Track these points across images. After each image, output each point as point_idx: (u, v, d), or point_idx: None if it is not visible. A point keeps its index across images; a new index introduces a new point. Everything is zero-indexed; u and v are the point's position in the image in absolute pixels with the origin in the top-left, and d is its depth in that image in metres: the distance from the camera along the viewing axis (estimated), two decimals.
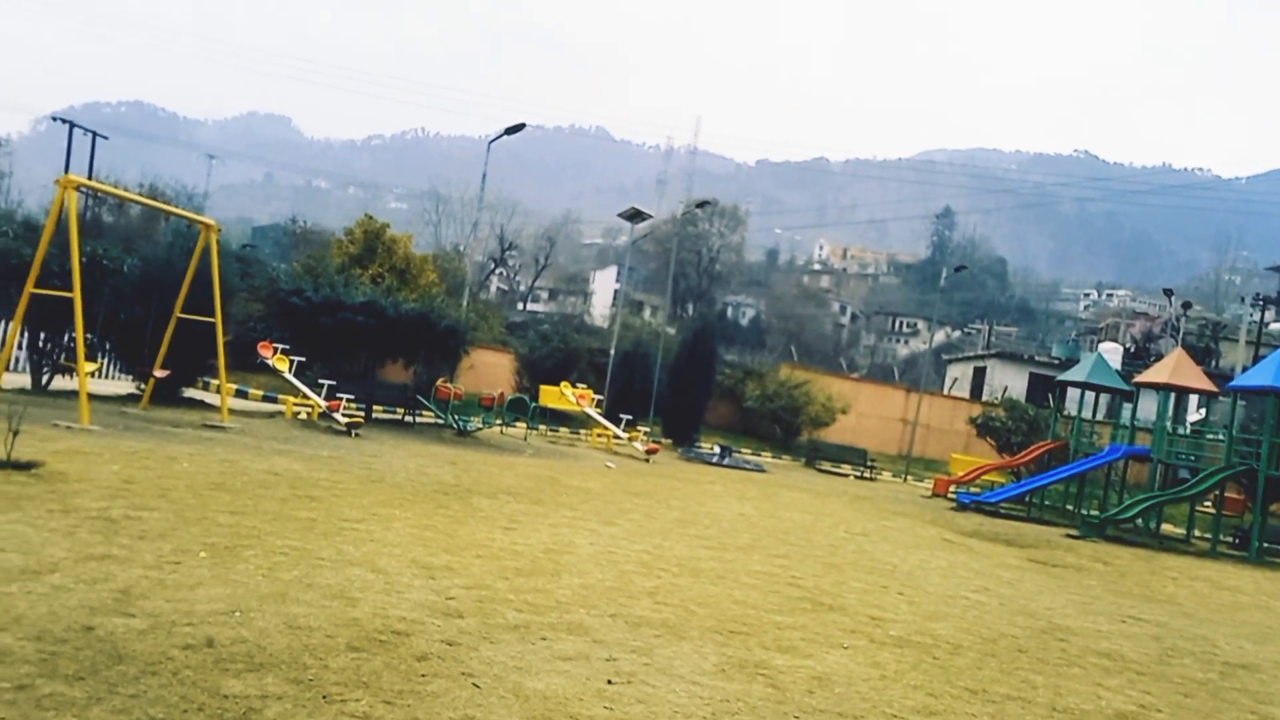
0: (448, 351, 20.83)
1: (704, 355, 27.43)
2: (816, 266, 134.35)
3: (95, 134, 50.25)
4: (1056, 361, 43.37)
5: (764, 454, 29.49)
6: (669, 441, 26.30)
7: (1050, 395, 29.54)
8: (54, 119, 54.59)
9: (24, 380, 15.79)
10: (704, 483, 17.50)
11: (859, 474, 27.38)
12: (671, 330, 35.54)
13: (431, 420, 20.36)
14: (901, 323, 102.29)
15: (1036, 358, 46.13)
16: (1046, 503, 22.57)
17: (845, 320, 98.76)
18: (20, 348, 16.17)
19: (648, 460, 20.71)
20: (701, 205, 55.92)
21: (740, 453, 26.83)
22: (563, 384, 24.17)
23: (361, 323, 18.45)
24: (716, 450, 24.44)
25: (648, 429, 24.44)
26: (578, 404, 23.53)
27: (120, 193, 17.47)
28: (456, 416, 19.47)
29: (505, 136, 27.88)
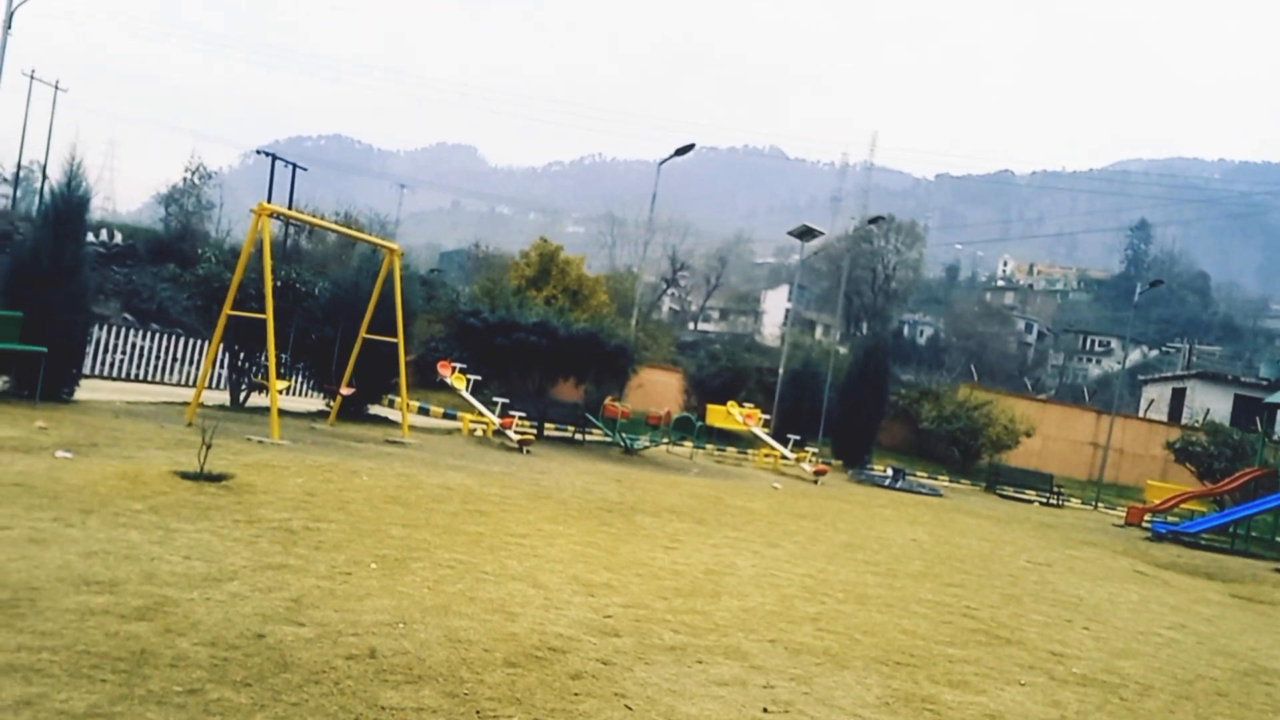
0: (616, 370, 21.07)
1: (877, 374, 26.76)
2: (1000, 283, 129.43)
3: (295, 166, 53.50)
4: (1265, 383, 40.25)
5: (940, 478, 28.48)
6: (839, 463, 25.74)
7: (1258, 418, 27.35)
8: (259, 153, 58.56)
9: (224, 397, 16.91)
10: (874, 506, 17.00)
11: (1044, 500, 26.04)
12: (843, 349, 34.88)
13: (600, 438, 20.61)
14: (1093, 341, 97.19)
15: (1242, 379, 42.94)
16: (1253, 534, 20.85)
17: (1031, 339, 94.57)
18: (221, 366, 17.32)
19: (816, 482, 20.31)
20: (875, 221, 54.82)
21: (915, 475, 26.00)
22: (730, 403, 24.05)
23: (534, 342, 18.90)
24: (889, 472, 23.74)
25: (816, 450, 24.00)
26: (745, 423, 23.35)
27: (310, 219, 18.53)
28: (624, 435, 19.63)
29: (676, 157, 28.07)
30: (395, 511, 8.51)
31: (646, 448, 20.25)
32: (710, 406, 24.61)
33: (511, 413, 17.57)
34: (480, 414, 17.87)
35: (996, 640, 7.17)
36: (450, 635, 5.10)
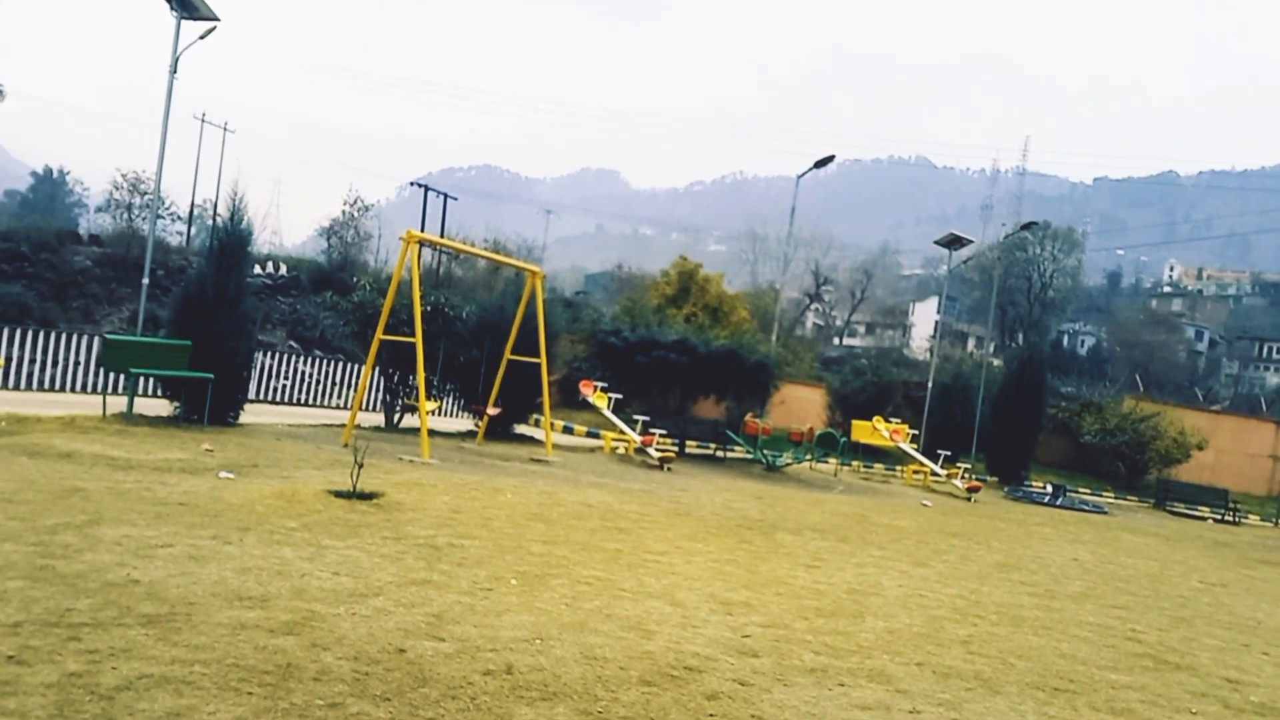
0: (757, 387, 20.88)
1: (1032, 386, 25.63)
2: (1166, 289, 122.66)
3: (446, 195, 55.39)
4: None
5: (1105, 494, 27.08)
6: (993, 479, 24.78)
7: None
8: (412, 184, 60.87)
9: (379, 419, 17.53)
10: (1031, 524, 16.26)
11: (1218, 517, 24.41)
12: (996, 361, 33.64)
13: (742, 455, 20.43)
14: (1270, 348, 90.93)
15: None
16: None
17: (1202, 347, 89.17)
18: (376, 389, 17.97)
19: (969, 499, 19.59)
20: (1028, 227, 52.68)
21: (1076, 492, 24.78)
22: (875, 419, 23.47)
23: (674, 360, 18.92)
24: (1049, 489, 22.70)
25: (969, 466, 23.16)
26: (891, 439, 22.75)
27: (457, 245, 19.11)
28: (765, 451, 19.41)
29: (815, 170, 27.73)
30: (536, 528, 8.60)
31: (789, 465, 19.96)
32: (855, 422, 24.08)
33: (652, 430, 17.61)
34: (621, 432, 17.98)
35: (1165, 666, 6.70)
36: (586, 652, 5.09)
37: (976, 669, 5.88)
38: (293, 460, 11.05)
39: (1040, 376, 26.31)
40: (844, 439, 22.54)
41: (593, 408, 19.08)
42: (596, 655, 5.06)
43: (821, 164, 27.45)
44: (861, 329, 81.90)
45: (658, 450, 16.76)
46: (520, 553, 7.44)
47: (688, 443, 20.27)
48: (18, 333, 17.75)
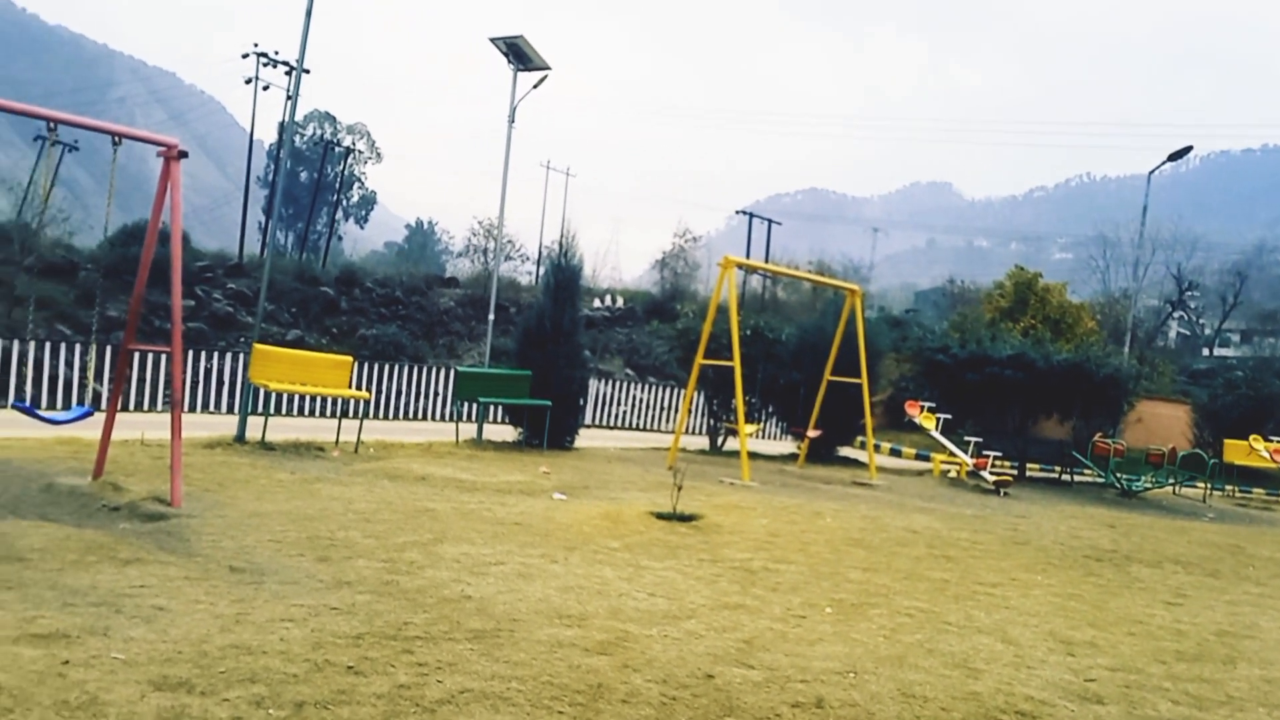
0: (1108, 404, 19.14)
1: None
2: None
3: (770, 221, 56.10)
4: None
5: None
6: None
7: None
8: (738, 212, 62.11)
9: (703, 442, 17.87)
10: None
11: None
12: None
13: (1091, 479, 18.81)
14: None
15: None
16: None
17: None
18: (701, 413, 18.37)
19: None
20: None
21: None
22: (1253, 437, 20.80)
23: (1010, 376, 17.78)
24: None
25: None
26: (1273, 460, 20.05)
27: (773, 268, 19.15)
28: (1119, 475, 17.73)
29: (1171, 165, 25.23)
30: (856, 554, 8.33)
31: (1148, 489, 18.11)
32: (1228, 442, 21.47)
33: (986, 452, 16.65)
34: (952, 454, 17.14)
35: None
36: (904, 689, 4.80)
37: None
38: (620, 482, 11.47)
39: None
40: (1213, 460, 20.14)
41: (920, 429, 18.35)
42: (915, 693, 4.76)
43: (1176, 157, 24.94)
44: (1236, 338, 73.31)
45: (993, 473, 15.81)
46: (837, 579, 7.21)
47: (1028, 465, 18.98)
48: (388, 368, 19.85)
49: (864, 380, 15.35)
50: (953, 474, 17.25)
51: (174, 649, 4.18)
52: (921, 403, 18.05)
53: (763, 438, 20.02)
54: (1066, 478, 18.83)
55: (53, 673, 3.74)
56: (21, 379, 15.04)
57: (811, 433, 15.73)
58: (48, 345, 16.33)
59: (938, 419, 17.76)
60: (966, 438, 17.39)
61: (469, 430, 14.97)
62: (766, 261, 46.24)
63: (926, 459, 21.19)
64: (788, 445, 19.16)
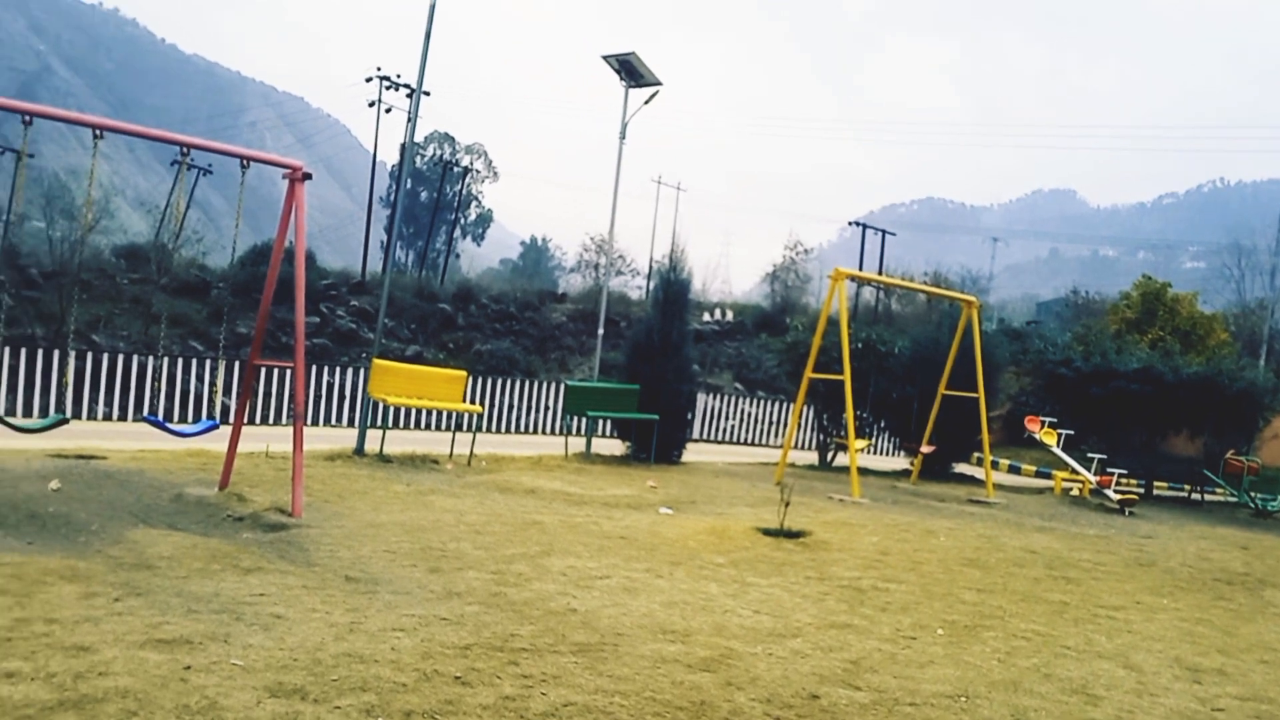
0: (1241, 419, 18.20)
1: None
2: None
3: (884, 232, 55.31)
4: None
5: None
6: None
7: None
8: (850, 224, 61.38)
9: (813, 457, 17.65)
10: None
11: None
12: None
13: (1223, 498, 17.90)
14: None
15: None
16: None
17: None
18: (810, 427, 18.17)
19: None
20: None
21: None
22: None
23: (1136, 390, 17.08)
24: None
25: None
26: None
27: (885, 279, 18.90)
28: (1254, 494, 16.82)
29: None
30: (970, 574, 8.10)
31: None
32: None
33: (1110, 470, 16.00)
34: (1074, 471, 16.53)
35: None
36: (1017, 715, 4.65)
37: None
38: (727, 497, 11.43)
39: None
40: None
41: (1040, 445, 17.76)
42: (1029, 719, 4.61)
43: None
44: None
45: (1117, 492, 15.18)
46: (950, 600, 7.03)
47: (1155, 484, 18.17)
48: (500, 382, 20.22)
49: (981, 394, 14.95)
50: (1075, 492, 16.64)
51: (290, 656, 4.33)
52: (1042, 418, 17.47)
53: (874, 453, 19.68)
54: (1196, 497, 17.96)
55: (175, 677, 3.91)
56: (155, 393, 15.83)
57: (925, 448, 15.38)
58: (180, 360, 17.17)
59: (1059, 435, 17.16)
60: (1090, 454, 16.75)
61: (578, 444, 15.13)
62: (880, 273, 45.56)
63: (1047, 476, 20.51)
64: (900, 461, 18.79)
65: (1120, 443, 18.16)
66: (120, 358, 16.71)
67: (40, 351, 15.93)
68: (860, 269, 49.78)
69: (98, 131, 7.03)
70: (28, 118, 6.77)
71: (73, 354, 15.00)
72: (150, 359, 16.15)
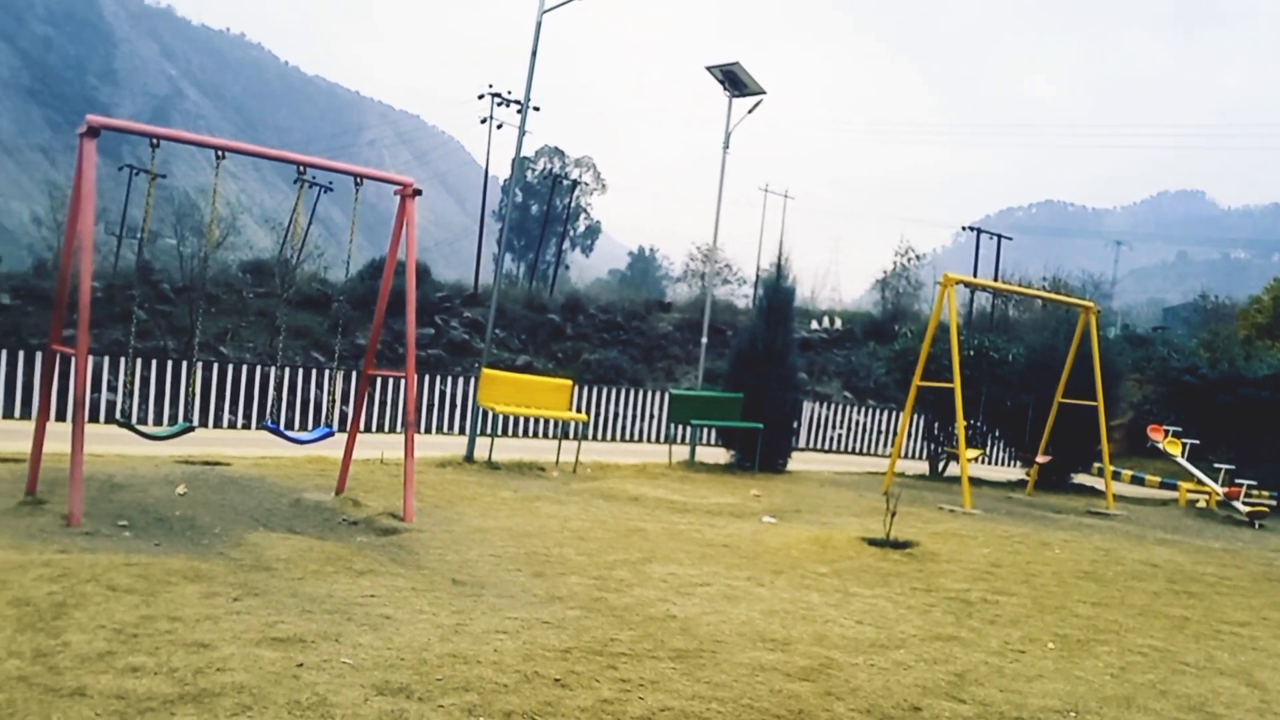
0: None
1: None
2: None
3: (1000, 237, 53.88)
4: None
5: None
6: None
7: None
8: (964, 229, 60.02)
9: (923, 466, 17.31)
10: None
11: None
12: None
13: None
14: None
15: None
16: None
17: None
18: (920, 436, 17.83)
19: None
20: None
21: None
22: None
23: (1267, 398, 16.30)
24: None
25: None
26: None
27: (996, 285, 18.41)
28: None
29: None
30: (1085, 587, 7.85)
31: None
32: None
33: (1239, 481, 15.28)
34: (1200, 483, 15.83)
35: None
36: None
37: None
38: (832, 507, 11.31)
39: None
40: None
41: (1164, 455, 17.06)
42: None
43: None
44: None
45: (1246, 503, 14.48)
46: (1063, 613, 6.83)
47: None
48: (606, 391, 20.42)
49: (1100, 403, 14.45)
50: (1201, 504, 15.94)
51: (397, 656, 4.47)
52: (1166, 427, 16.80)
53: (988, 463, 19.19)
54: None
55: (288, 674, 4.08)
56: (276, 401, 16.50)
57: (1040, 458, 14.94)
58: (300, 370, 17.84)
59: (1184, 444, 16.47)
60: (1217, 465, 16.03)
61: (682, 452, 15.16)
62: (996, 279, 44.45)
63: (1173, 487, 19.68)
64: (1015, 471, 18.29)
65: (1250, 453, 17.32)
66: (244, 368, 17.46)
67: (170, 362, 16.76)
68: (975, 274, 48.63)
69: (220, 152, 7.39)
70: (155, 140, 7.16)
71: (199, 365, 15.77)
72: (271, 369, 16.83)
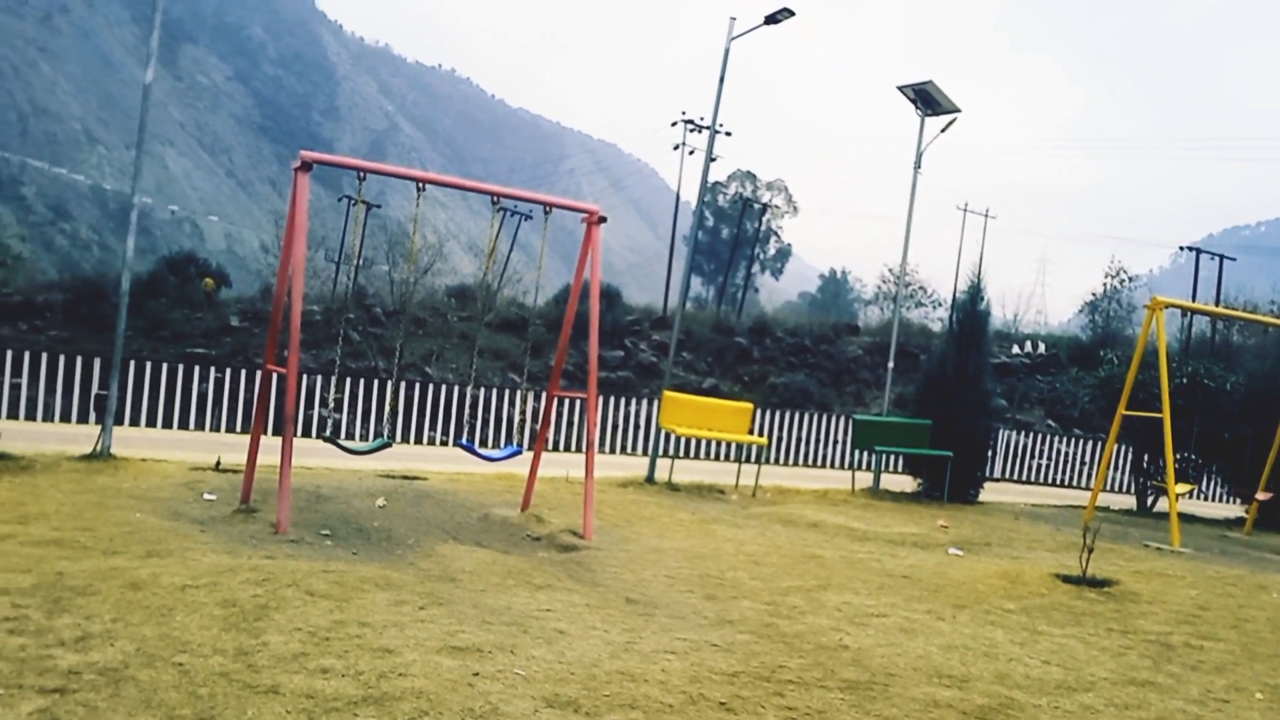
0: None
1: None
2: None
3: (1223, 257, 50.31)
4: None
5: None
6: None
7: None
8: (1182, 248, 56.27)
9: (1129, 501, 16.28)
10: None
11: None
12: None
13: None
14: None
15: None
16: None
17: None
18: (1126, 469, 16.79)
19: None
20: None
21: None
22: None
23: None
24: None
25: None
26: None
27: (1209, 309, 17.20)
28: None
29: None
30: None
31: None
32: None
33: None
34: None
35: None
36: None
37: None
38: (1025, 540, 10.82)
39: None
40: None
41: None
42: None
43: None
44: None
45: None
46: (1276, 662, 6.29)
47: None
48: (789, 414, 20.26)
49: None
50: None
51: (567, 670, 4.61)
52: None
53: (1201, 499, 17.85)
54: None
55: (464, 682, 4.28)
56: (472, 420, 17.24)
57: (1260, 495, 13.78)
58: (494, 391, 18.59)
59: None
60: None
61: (866, 479, 14.86)
62: (1217, 302, 41.42)
63: None
64: (1232, 509, 16.94)
65: None
66: (443, 388, 18.35)
67: (376, 381, 17.80)
68: (1194, 297, 45.47)
69: (421, 185, 7.86)
70: (362, 174, 7.69)
71: (402, 384, 16.67)
72: (468, 389, 17.61)
